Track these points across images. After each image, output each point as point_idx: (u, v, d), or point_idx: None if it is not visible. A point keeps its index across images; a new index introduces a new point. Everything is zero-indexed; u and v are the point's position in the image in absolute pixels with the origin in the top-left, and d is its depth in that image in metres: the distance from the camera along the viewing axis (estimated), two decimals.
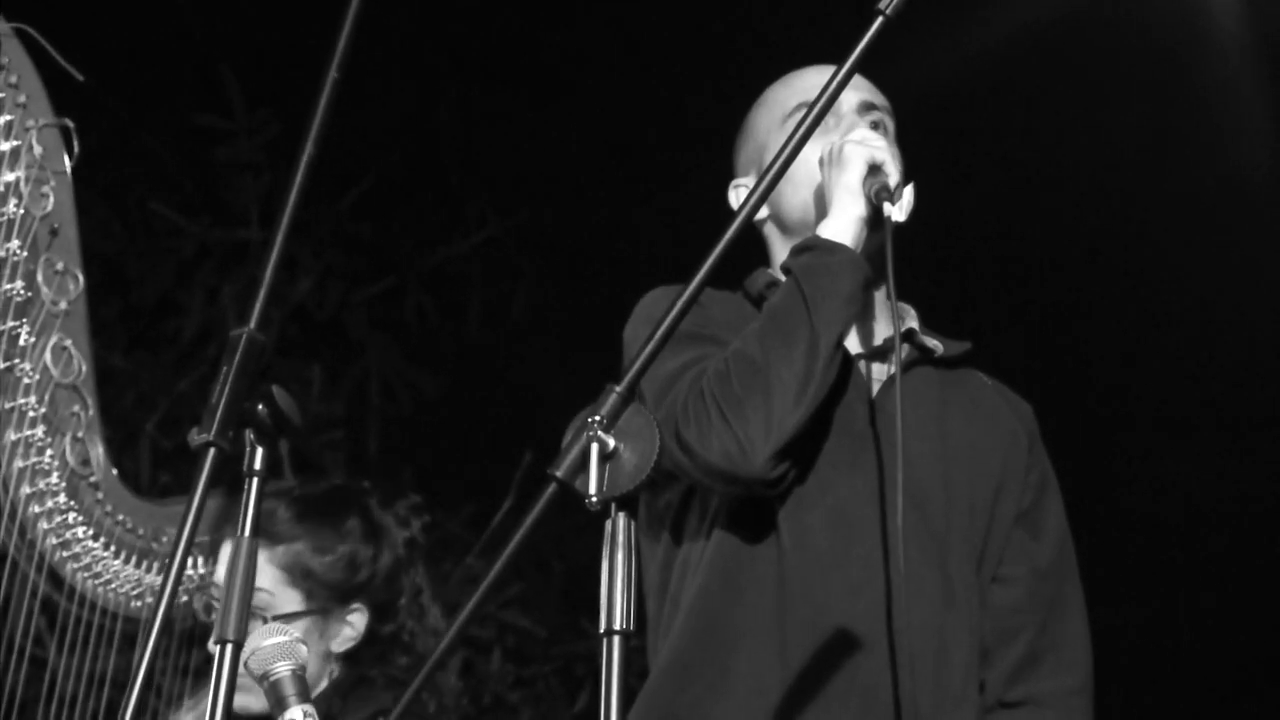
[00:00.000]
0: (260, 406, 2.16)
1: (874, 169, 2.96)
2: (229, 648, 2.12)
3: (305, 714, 2.16)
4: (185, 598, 3.51)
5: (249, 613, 2.16)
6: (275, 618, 3.26)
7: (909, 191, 3.00)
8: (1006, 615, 3.05)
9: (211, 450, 2.12)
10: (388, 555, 3.44)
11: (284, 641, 2.22)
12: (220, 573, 3.35)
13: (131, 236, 6.71)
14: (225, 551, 3.34)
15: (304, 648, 2.24)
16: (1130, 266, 6.57)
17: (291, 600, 3.33)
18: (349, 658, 3.38)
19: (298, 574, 3.33)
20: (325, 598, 3.35)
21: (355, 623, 3.37)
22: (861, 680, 2.88)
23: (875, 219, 2.96)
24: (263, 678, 2.22)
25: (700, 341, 2.96)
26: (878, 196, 2.94)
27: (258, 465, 2.18)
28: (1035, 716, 3.04)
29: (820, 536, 2.93)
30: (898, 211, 2.95)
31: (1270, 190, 6.36)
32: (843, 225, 2.95)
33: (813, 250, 2.93)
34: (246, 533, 2.17)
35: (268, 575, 3.31)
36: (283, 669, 2.21)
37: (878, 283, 3.03)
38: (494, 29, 6.82)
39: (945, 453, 3.04)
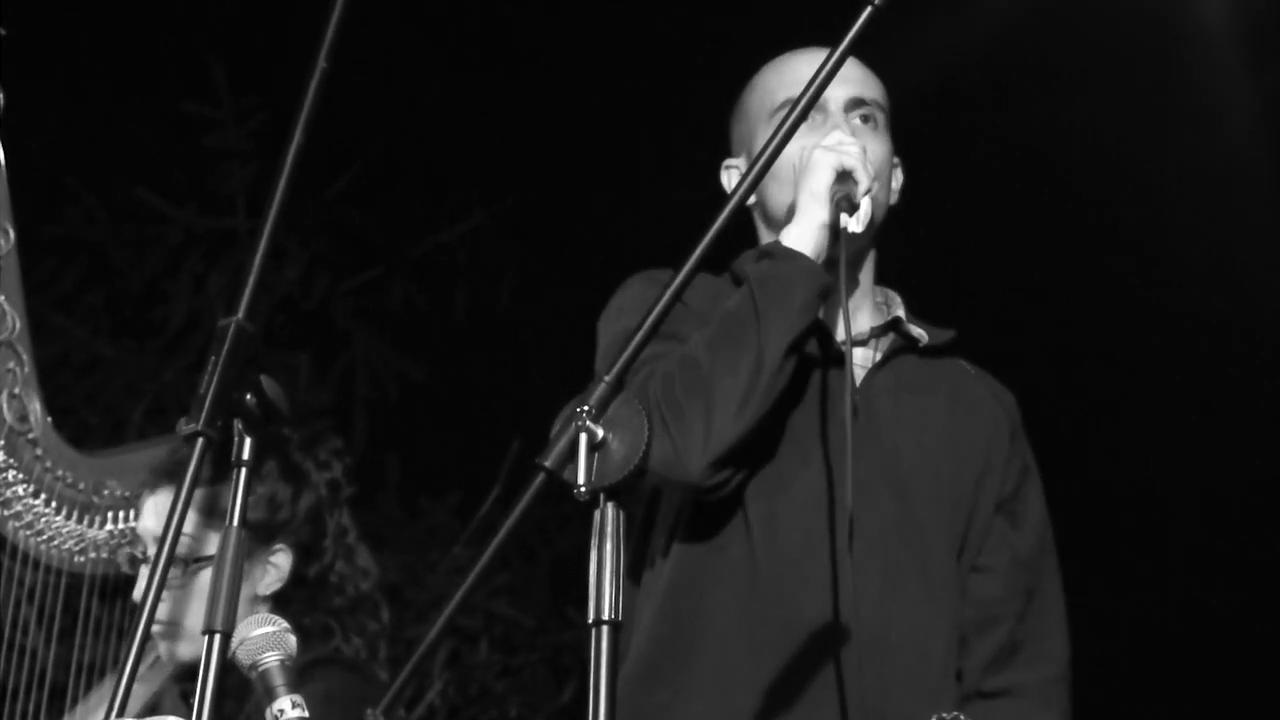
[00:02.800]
0: (249, 396, 2.16)
1: (843, 175, 2.94)
2: (218, 638, 2.13)
3: (294, 704, 2.16)
4: (108, 554, 3.52)
5: (238, 603, 2.16)
6: (196, 560, 3.24)
7: (866, 203, 2.97)
8: (986, 605, 3.06)
9: (200, 439, 2.12)
10: (308, 496, 3.42)
11: (272, 632, 2.22)
12: (145, 523, 3.34)
13: (118, 224, 6.70)
14: (149, 503, 3.34)
15: (293, 638, 2.24)
16: (1118, 248, 6.58)
17: (213, 543, 3.31)
18: (278, 601, 3.36)
19: (217, 516, 3.31)
20: (247, 539, 3.34)
21: (280, 564, 3.35)
22: (832, 675, 2.87)
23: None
24: (251, 668, 2.22)
25: (661, 339, 2.95)
26: (838, 206, 2.92)
27: (246, 455, 2.18)
28: (1014, 706, 3.04)
29: (791, 532, 2.93)
30: (854, 223, 2.93)
31: (1258, 170, 6.37)
32: (804, 232, 2.94)
33: (770, 258, 2.93)
34: (235, 523, 2.17)
35: (188, 520, 3.29)
36: (271, 659, 2.21)
37: (852, 287, 3.01)
38: (480, 15, 6.81)
39: (927, 442, 3.04)
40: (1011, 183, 6.36)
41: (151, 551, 3.27)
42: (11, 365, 3.51)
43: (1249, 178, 6.38)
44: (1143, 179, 6.33)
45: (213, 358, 2.16)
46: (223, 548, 2.16)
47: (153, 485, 3.35)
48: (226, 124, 6.67)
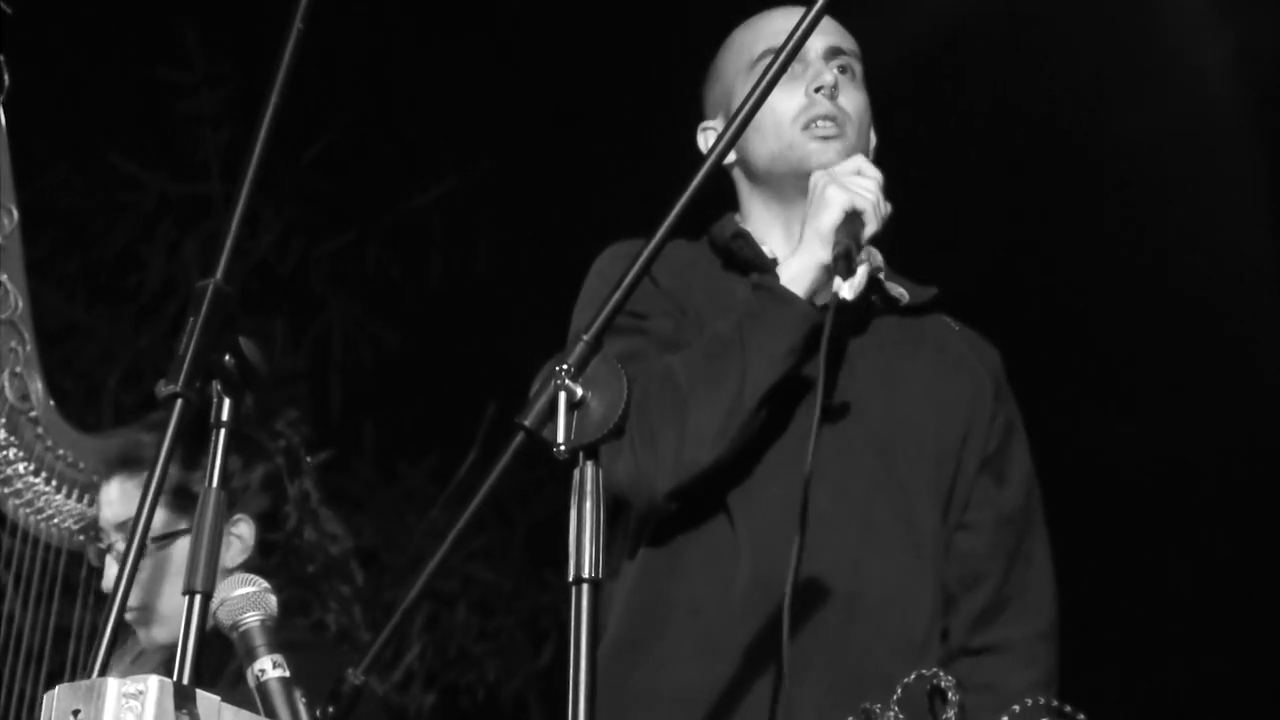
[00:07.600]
0: (227, 358, 2.16)
1: (852, 215, 2.89)
2: (198, 598, 2.12)
3: (275, 664, 2.16)
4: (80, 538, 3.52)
5: (218, 564, 2.16)
6: (154, 539, 3.23)
7: (863, 271, 2.94)
8: (971, 562, 3.05)
9: (179, 401, 2.12)
10: (261, 466, 3.42)
11: (253, 592, 2.22)
12: (104, 514, 3.34)
13: (91, 190, 6.69)
14: (105, 494, 3.34)
15: (273, 598, 2.24)
16: (1092, 205, 6.58)
17: (173, 521, 3.32)
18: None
19: (171, 493, 3.30)
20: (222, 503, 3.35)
21: (243, 534, 3.34)
22: (816, 637, 2.87)
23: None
24: (232, 628, 2.22)
25: (631, 334, 2.94)
26: (836, 262, 2.85)
27: (225, 417, 2.18)
28: (999, 663, 3.03)
29: (768, 496, 2.91)
30: (846, 289, 2.87)
31: (1231, 130, 6.38)
32: (802, 270, 2.90)
33: (765, 293, 2.90)
34: (214, 484, 2.17)
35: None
36: (252, 619, 2.21)
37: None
38: None
39: (910, 401, 3.03)
40: (991, 140, 6.36)
41: (115, 543, 3.28)
42: (14, 344, 3.52)
43: (1223, 129, 6.38)
44: (1119, 132, 6.33)
45: (191, 319, 2.14)
46: (202, 508, 2.16)
47: (106, 475, 3.34)
48: (199, 89, 6.66)
